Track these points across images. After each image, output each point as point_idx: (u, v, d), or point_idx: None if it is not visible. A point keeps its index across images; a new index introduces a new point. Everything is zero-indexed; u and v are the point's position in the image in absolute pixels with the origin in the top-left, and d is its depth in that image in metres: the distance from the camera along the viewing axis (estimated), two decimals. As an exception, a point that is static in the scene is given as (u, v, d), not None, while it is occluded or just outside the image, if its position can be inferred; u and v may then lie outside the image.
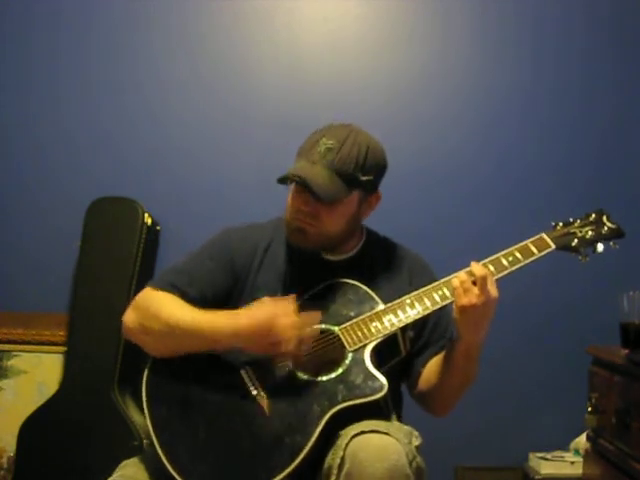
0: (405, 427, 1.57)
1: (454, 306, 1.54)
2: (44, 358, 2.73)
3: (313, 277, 1.66)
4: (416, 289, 1.62)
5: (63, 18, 2.88)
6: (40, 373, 2.72)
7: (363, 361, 1.53)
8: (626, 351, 1.87)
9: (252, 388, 1.54)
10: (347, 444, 1.40)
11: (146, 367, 1.61)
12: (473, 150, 2.83)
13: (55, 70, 2.88)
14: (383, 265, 1.73)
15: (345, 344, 1.56)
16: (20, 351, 2.74)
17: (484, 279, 1.50)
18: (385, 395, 1.49)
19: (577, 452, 2.53)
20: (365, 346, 1.55)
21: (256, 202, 2.61)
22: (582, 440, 2.30)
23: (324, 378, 1.53)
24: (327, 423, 1.46)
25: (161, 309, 1.57)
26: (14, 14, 2.88)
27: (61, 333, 2.71)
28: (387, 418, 1.57)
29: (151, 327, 1.57)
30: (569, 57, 2.86)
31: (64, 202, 2.80)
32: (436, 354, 1.69)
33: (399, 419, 1.66)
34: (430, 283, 1.62)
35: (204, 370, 1.57)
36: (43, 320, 2.75)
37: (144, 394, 1.57)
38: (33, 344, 2.74)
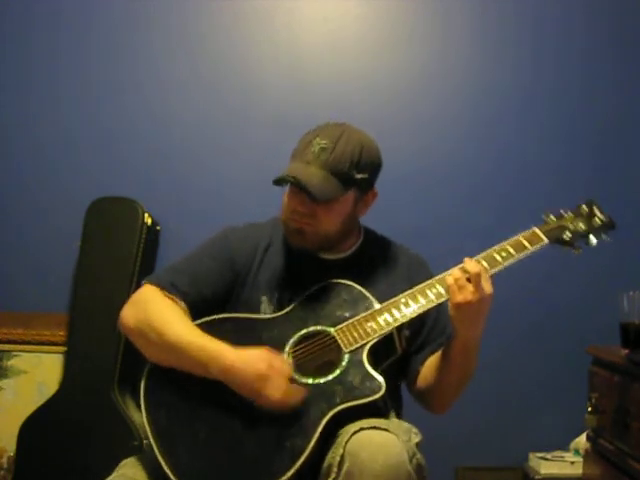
0: (404, 424, 1.58)
1: (449, 303, 1.54)
2: (44, 358, 2.73)
3: (312, 276, 1.66)
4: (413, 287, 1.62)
5: (63, 18, 2.88)
6: (40, 373, 2.72)
7: (360, 362, 1.53)
8: (626, 351, 1.87)
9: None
10: (347, 441, 1.40)
11: (145, 370, 1.60)
12: (473, 150, 2.83)
13: (55, 70, 2.88)
14: (381, 264, 1.73)
15: (341, 345, 1.56)
16: (20, 351, 2.74)
17: (478, 276, 1.50)
18: (383, 395, 1.49)
19: (577, 452, 2.53)
20: (362, 346, 1.55)
21: (256, 202, 2.59)
22: (582, 440, 2.30)
23: (322, 380, 1.52)
24: (326, 425, 1.46)
25: (160, 320, 1.57)
26: (14, 14, 2.88)
27: (61, 333, 2.71)
28: (386, 417, 1.57)
29: (148, 336, 1.57)
30: (569, 57, 2.86)
31: (64, 202, 2.80)
32: (434, 352, 1.69)
33: (398, 417, 1.66)
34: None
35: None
36: (43, 320, 2.75)
37: (143, 398, 1.57)
38: (33, 344, 2.74)
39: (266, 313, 1.66)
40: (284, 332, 1.60)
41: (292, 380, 1.50)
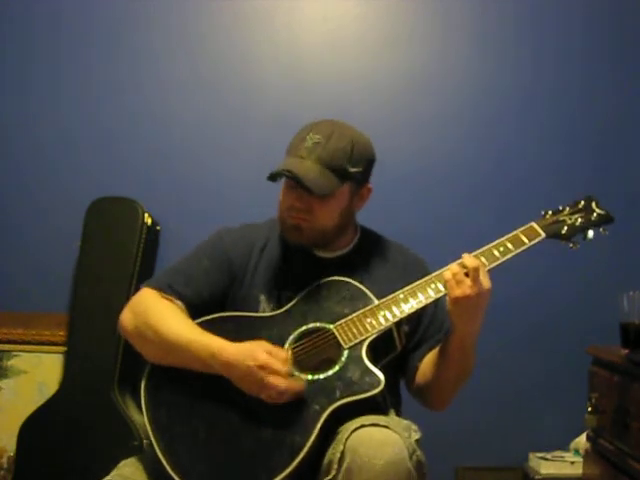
0: (404, 421, 1.58)
1: (447, 298, 1.55)
2: (44, 358, 2.73)
3: (309, 276, 1.67)
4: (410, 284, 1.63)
5: (63, 18, 2.88)
6: (40, 373, 2.72)
7: (359, 357, 1.53)
8: (626, 351, 1.87)
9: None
10: (347, 438, 1.40)
11: (145, 369, 1.61)
12: (473, 150, 2.83)
13: (55, 70, 2.88)
14: (378, 262, 1.73)
15: (341, 341, 1.56)
16: (20, 351, 2.75)
17: (476, 270, 1.51)
18: (382, 390, 1.49)
19: (577, 452, 2.53)
20: (361, 342, 1.56)
21: (256, 202, 2.59)
22: (582, 440, 2.30)
23: (321, 376, 1.53)
24: (326, 421, 1.46)
25: (158, 320, 1.59)
26: (14, 14, 2.88)
27: (61, 333, 2.71)
28: (385, 414, 1.58)
29: (147, 336, 1.59)
30: (569, 57, 2.86)
31: (64, 202, 2.80)
32: (432, 349, 1.69)
33: (398, 415, 1.67)
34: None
35: (203, 372, 1.56)
36: (43, 320, 2.75)
37: (143, 397, 1.58)
38: (33, 344, 2.74)
39: (265, 311, 1.66)
40: (284, 329, 1.60)
41: (291, 376, 1.51)
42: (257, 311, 1.66)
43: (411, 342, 1.70)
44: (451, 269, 1.54)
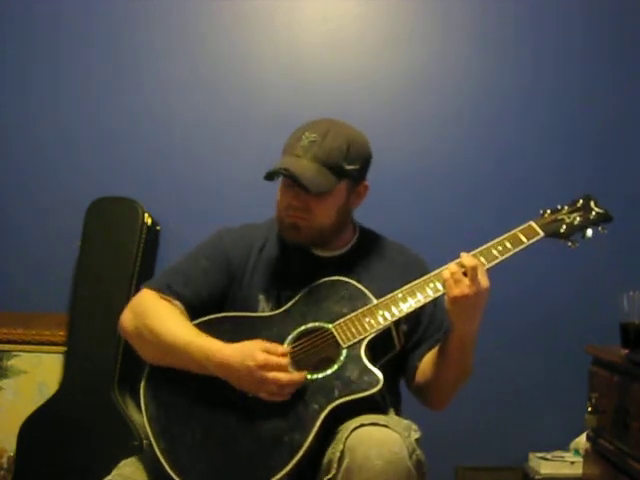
0: (404, 421, 1.58)
1: (446, 297, 1.55)
2: (44, 358, 2.73)
3: (308, 275, 1.67)
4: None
5: (63, 18, 2.88)
6: (40, 373, 2.72)
7: (358, 356, 1.54)
8: (626, 351, 1.87)
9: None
10: (347, 437, 1.40)
11: (145, 370, 1.62)
12: (473, 150, 2.83)
13: (55, 70, 2.88)
14: (377, 261, 1.74)
15: (339, 341, 1.57)
16: (20, 351, 2.75)
17: (474, 269, 1.51)
18: (381, 389, 1.50)
19: (577, 452, 2.53)
20: (359, 342, 1.56)
21: (256, 202, 2.58)
22: (582, 440, 2.30)
23: (320, 375, 1.53)
24: (325, 420, 1.47)
25: (157, 321, 1.59)
26: (14, 14, 2.88)
27: (61, 333, 2.71)
28: (384, 413, 1.58)
29: (145, 337, 1.60)
30: (569, 57, 2.86)
31: (64, 202, 2.80)
32: (432, 348, 1.70)
33: (397, 414, 1.67)
34: None
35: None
36: (43, 320, 2.75)
37: (143, 398, 1.58)
38: (33, 344, 2.74)
39: (264, 311, 1.67)
40: (283, 329, 1.60)
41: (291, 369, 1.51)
42: (256, 311, 1.67)
43: (410, 342, 1.70)
44: (449, 268, 1.55)
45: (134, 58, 2.89)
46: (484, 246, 1.62)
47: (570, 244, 1.67)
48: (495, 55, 2.87)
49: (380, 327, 1.57)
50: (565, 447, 2.62)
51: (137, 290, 1.70)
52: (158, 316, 1.61)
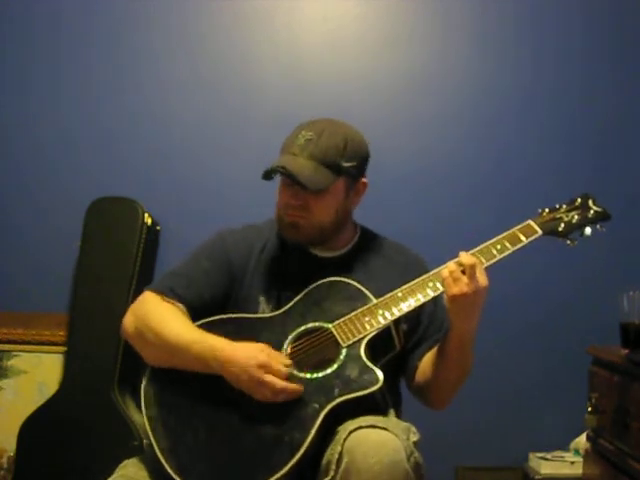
0: (403, 423, 1.58)
1: (445, 296, 1.55)
2: (44, 358, 2.73)
3: (308, 276, 1.67)
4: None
5: (63, 18, 2.88)
6: (40, 373, 2.72)
7: (358, 356, 1.54)
8: (626, 351, 1.87)
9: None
10: (345, 439, 1.40)
11: (145, 370, 1.62)
12: (473, 150, 2.83)
13: (55, 70, 2.88)
14: (377, 262, 1.74)
15: (339, 340, 1.57)
16: (20, 351, 2.75)
17: (473, 268, 1.52)
18: (381, 387, 1.50)
19: (577, 452, 2.53)
20: (359, 341, 1.56)
21: (256, 202, 2.59)
22: (582, 440, 2.30)
23: (320, 374, 1.53)
24: (325, 419, 1.47)
25: (158, 322, 1.60)
26: (14, 14, 2.88)
27: (61, 333, 2.71)
28: (384, 413, 1.58)
29: (147, 338, 1.60)
30: (569, 57, 2.86)
31: (64, 202, 2.80)
32: (431, 348, 1.70)
33: (398, 416, 1.67)
34: None
35: (202, 373, 1.56)
36: (43, 320, 2.75)
37: (143, 398, 1.59)
38: (33, 344, 2.74)
39: (265, 312, 1.67)
40: (283, 329, 1.61)
41: (290, 375, 1.51)
42: (257, 312, 1.67)
43: (410, 341, 1.71)
44: (448, 267, 1.55)
45: (134, 58, 2.89)
46: (483, 245, 1.63)
47: (569, 242, 1.67)
48: (495, 55, 2.87)
49: (380, 326, 1.57)
50: (565, 447, 2.62)
51: (137, 291, 1.71)
52: (160, 317, 1.61)
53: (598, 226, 1.68)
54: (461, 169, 2.83)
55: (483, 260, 1.59)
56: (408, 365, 1.72)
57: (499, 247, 1.62)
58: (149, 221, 2.71)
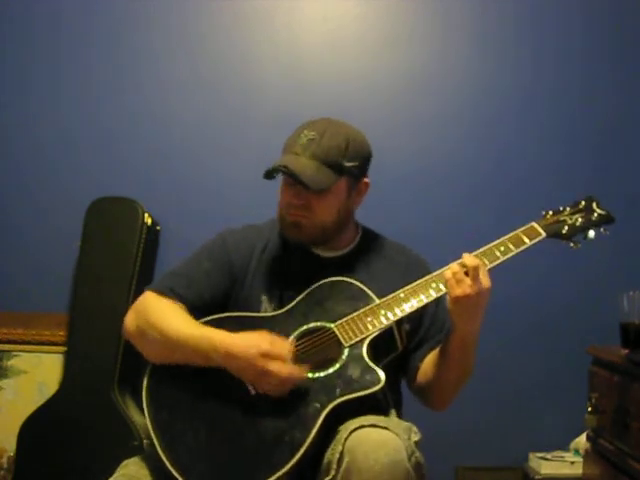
0: (404, 423, 1.58)
1: (448, 297, 1.55)
2: (44, 358, 2.73)
3: (310, 275, 1.67)
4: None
5: (63, 18, 2.88)
6: (40, 373, 2.72)
7: (360, 356, 1.54)
8: (626, 351, 1.87)
9: (251, 387, 1.54)
10: (346, 438, 1.41)
11: (146, 369, 1.62)
12: (473, 150, 2.83)
13: (55, 70, 2.88)
14: (379, 262, 1.74)
15: (341, 340, 1.57)
16: (20, 351, 2.75)
17: (476, 269, 1.52)
18: (383, 388, 1.50)
19: (577, 452, 2.53)
20: (361, 341, 1.56)
21: (256, 202, 2.59)
22: (582, 440, 2.30)
23: (322, 374, 1.53)
24: (326, 418, 1.47)
25: (159, 318, 1.60)
26: (14, 14, 2.88)
27: (61, 333, 2.71)
28: (386, 413, 1.58)
29: (148, 334, 1.61)
30: (569, 57, 2.86)
31: (64, 202, 2.80)
32: (433, 349, 1.70)
33: (399, 416, 1.67)
34: None
35: (204, 371, 1.57)
36: (43, 320, 2.75)
37: (144, 397, 1.59)
38: (33, 344, 2.74)
39: (267, 312, 1.67)
40: (285, 329, 1.61)
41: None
42: (259, 311, 1.67)
43: (412, 342, 1.71)
44: (451, 268, 1.55)
45: (134, 58, 2.89)
46: (486, 246, 1.63)
47: (572, 245, 1.68)
48: (495, 55, 2.87)
49: (382, 326, 1.58)
50: (565, 447, 2.62)
51: (137, 291, 1.72)
52: (161, 313, 1.61)
53: (602, 229, 1.68)
54: (461, 169, 2.83)
55: (486, 262, 1.59)
56: (409, 366, 1.72)
57: (502, 249, 1.62)
58: (149, 221, 2.70)
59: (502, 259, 1.61)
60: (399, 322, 1.60)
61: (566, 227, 1.67)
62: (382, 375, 1.50)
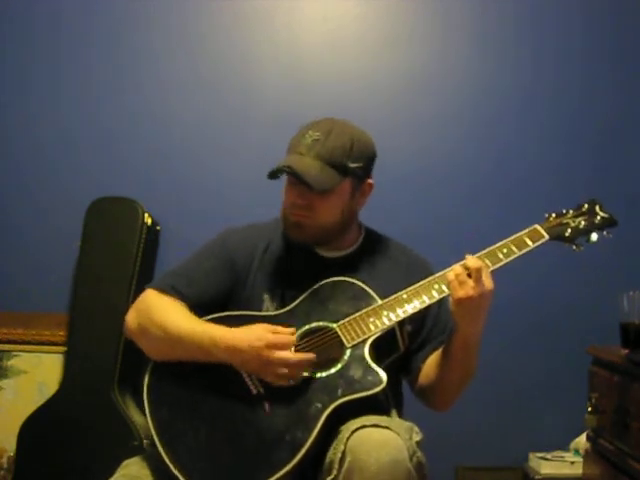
0: (406, 423, 1.58)
1: (450, 299, 1.55)
2: (44, 358, 2.73)
3: (313, 275, 1.67)
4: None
5: (63, 18, 2.88)
6: (40, 373, 2.72)
7: (362, 356, 1.54)
8: (626, 351, 1.87)
9: (252, 387, 1.55)
10: (348, 438, 1.41)
11: (147, 368, 1.62)
12: (473, 150, 2.83)
13: (55, 70, 2.88)
14: (382, 262, 1.74)
15: (343, 340, 1.57)
16: (20, 351, 2.75)
17: (479, 271, 1.52)
18: (384, 389, 1.50)
19: (577, 452, 2.53)
20: (363, 342, 1.56)
21: (256, 202, 2.60)
22: (582, 440, 2.30)
23: (323, 374, 1.53)
24: (328, 418, 1.47)
25: (161, 315, 1.61)
26: (15, 14, 2.88)
27: (61, 333, 2.71)
28: (387, 413, 1.59)
29: (150, 331, 1.61)
30: (569, 57, 2.86)
31: (64, 202, 2.80)
32: (435, 350, 1.70)
33: (400, 416, 1.67)
34: None
35: (205, 370, 1.58)
36: (43, 320, 2.75)
37: (145, 395, 1.59)
38: (33, 344, 2.74)
39: (269, 311, 1.67)
40: (287, 328, 1.60)
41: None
42: (260, 311, 1.67)
43: (415, 343, 1.71)
44: (454, 270, 1.55)
45: (134, 58, 2.89)
46: (489, 248, 1.63)
47: (575, 248, 1.68)
48: (495, 55, 2.87)
49: (384, 327, 1.58)
50: (565, 447, 2.62)
51: (137, 290, 1.72)
52: (162, 310, 1.62)
53: (605, 232, 1.69)
54: (461, 169, 2.83)
55: (489, 263, 1.59)
56: (411, 367, 1.72)
57: (505, 251, 1.62)
58: (149, 221, 2.70)
59: (505, 261, 1.61)
60: (401, 323, 1.60)
61: (569, 230, 1.67)
62: (384, 376, 1.51)
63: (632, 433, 1.76)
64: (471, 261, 1.54)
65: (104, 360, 2.56)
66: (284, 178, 1.67)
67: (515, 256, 1.62)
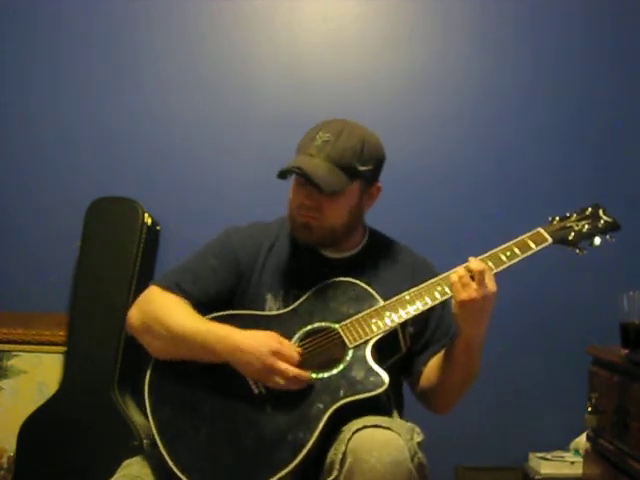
0: (407, 424, 1.58)
1: (453, 301, 1.55)
2: (44, 358, 2.73)
3: (317, 276, 1.67)
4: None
5: (63, 18, 2.88)
6: (40, 373, 2.72)
7: (364, 357, 1.54)
8: (626, 351, 1.87)
9: (254, 387, 1.55)
10: (349, 439, 1.41)
11: (148, 367, 1.62)
12: (473, 150, 2.83)
13: (55, 70, 2.88)
14: (385, 264, 1.74)
15: (346, 341, 1.57)
16: (20, 351, 2.75)
17: (482, 273, 1.52)
18: (386, 390, 1.50)
19: (577, 452, 2.53)
20: (366, 343, 1.56)
21: (256, 202, 2.61)
22: (582, 440, 2.30)
23: (325, 375, 1.53)
24: (329, 419, 1.47)
25: (165, 313, 1.61)
26: (15, 14, 2.88)
27: (61, 333, 2.71)
28: (388, 414, 1.58)
29: (153, 329, 1.61)
30: (569, 57, 2.86)
31: (64, 202, 2.80)
32: (437, 352, 1.70)
33: (401, 417, 1.67)
34: None
35: (206, 369, 1.58)
36: (43, 320, 2.75)
37: (146, 394, 1.59)
38: (33, 344, 2.74)
39: (272, 310, 1.67)
40: (289, 328, 1.61)
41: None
42: (264, 309, 1.67)
43: (417, 344, 1.71)
44: (457, 272, 1.55)
45: (134, 58, 2.89)
46: (492, 251, 1.63)
47: (578, 251, 1.69)
48: (495, 55, 2.87)
49: (387, 329, 1.58)
50: (565, 447, 2.62)
51: (137, 290, 1.71)
52: (166, 307, 1.62)
53: (608, 236, 1.69)
54: (461, 169, 2.83)
55: (492, 266, 1.59)
56: (413, 369, 1.72)
57: (508, 254, 1.62)
58: (149, 221, 2.70)
59: (508, 264, 1.61)
60: (403, 324, 1.60)
61: (572, 233, 1.68)
62: (386, 378, 1.51)
63: (632, 433, 1.76)
64: (474, 263, 1.54)
65: (104, 360, 2.56)
66: (289, 179, 1.66)
67: (518, 259, 1.62)
